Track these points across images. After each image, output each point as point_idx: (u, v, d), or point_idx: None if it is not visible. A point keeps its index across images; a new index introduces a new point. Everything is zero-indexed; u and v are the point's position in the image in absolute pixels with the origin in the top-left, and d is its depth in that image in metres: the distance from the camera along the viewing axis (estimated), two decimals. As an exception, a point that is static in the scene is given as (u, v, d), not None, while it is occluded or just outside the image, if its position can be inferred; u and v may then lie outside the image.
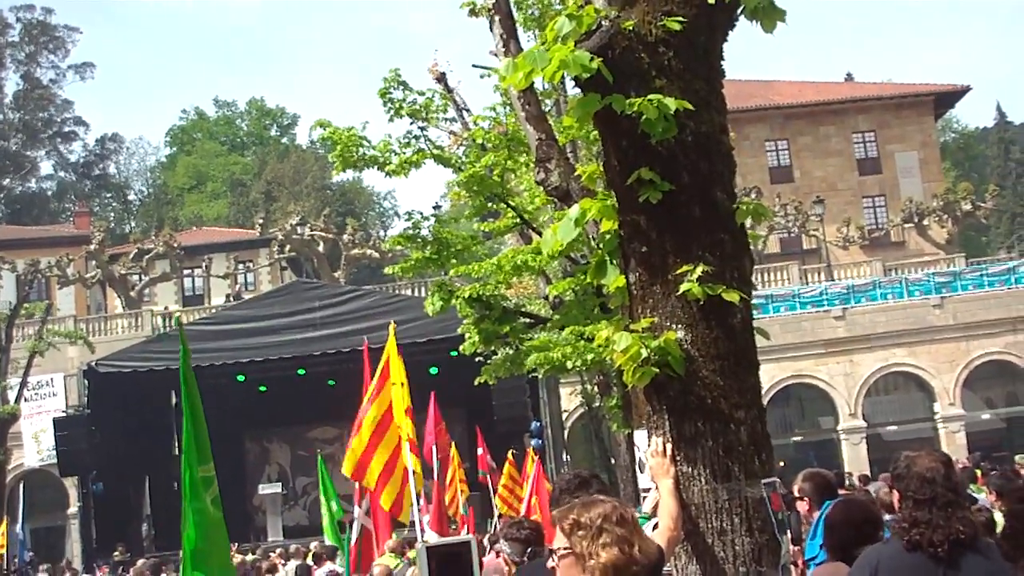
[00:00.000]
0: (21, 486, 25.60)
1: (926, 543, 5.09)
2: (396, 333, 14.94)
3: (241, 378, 33.86)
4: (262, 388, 35.22)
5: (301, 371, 33.53)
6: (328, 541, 20.46)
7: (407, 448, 13.82)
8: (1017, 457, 25.69)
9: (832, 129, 63.47)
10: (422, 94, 18.37)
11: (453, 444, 22.58)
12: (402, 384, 14.27)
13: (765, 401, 5.77)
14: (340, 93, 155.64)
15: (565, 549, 4.15)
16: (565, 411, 36.84)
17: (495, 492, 22.09)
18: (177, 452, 34.47)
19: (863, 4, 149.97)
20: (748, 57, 69.67)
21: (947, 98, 66.69)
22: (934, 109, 65.80)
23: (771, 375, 40.97)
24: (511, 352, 18.91)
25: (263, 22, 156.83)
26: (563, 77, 5.51)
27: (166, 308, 58.84)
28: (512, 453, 21.70)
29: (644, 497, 6.05)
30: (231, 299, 56.79)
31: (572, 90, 16.62)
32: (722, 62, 5.80)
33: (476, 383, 20.43)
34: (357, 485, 15.57)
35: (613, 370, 17.79)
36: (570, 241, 5.93)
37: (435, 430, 19.41)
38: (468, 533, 16.32)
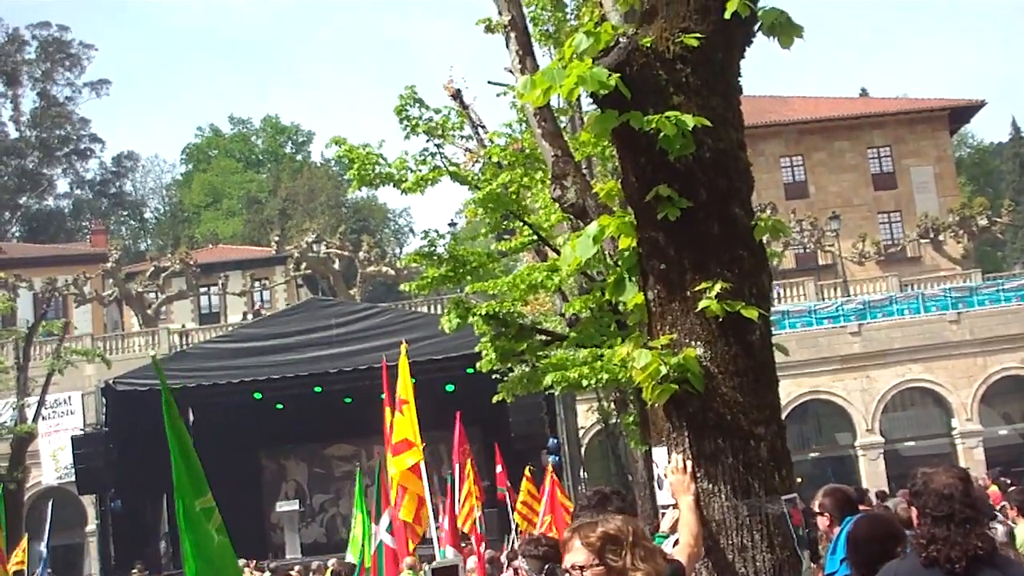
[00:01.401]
0: (50, 504, 25.60)
1: (944, 559, 5.07)
2: (412, 350, 15.05)
3: (258, 396, 33.88)
4: (279, 406, 35.23)
5: (318, 389, 33.51)
6: (349, 558, 20.41)
7: (423, 465, 13.93)
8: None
9: (847, 144, 63.33)
10: (438, 111, 18.36)
11: (471, 462, 22.62)
12: (407, 401, 14.39)
13: (783, 417, 5.76)
14: (355, 106, 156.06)
15: (595, 565, 4.08)
16: (582, 428, 36.76)
17: (513, 509, 22.07)
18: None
19: (878, 19, 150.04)
20: (762, 73, 69.66)
21: (962, 113, 66.49)
22: (949, 124, 65.59)
23: (788, 391, 40.81)
24: (528, 370, 18.88)
25: (279, 39, 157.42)
26: (580, 94, 5.53)
27: (183, 326, 58.95)
28: (530, 469, 21.69)
29: (663, 514, 6.04)
30: (251, 316, 56.87)
31: (588, 107, 16.62)
32: (739, 79, 5.82)
33: (493, 401, 20.41)
34: (380, 504, 15.66)
35: (630, 387, 17.77)
36: (588, 258, 5.94)
37: (459, 450, 19.43)
38: (486, 550, 16.35)
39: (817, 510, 7.81)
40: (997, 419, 46.42)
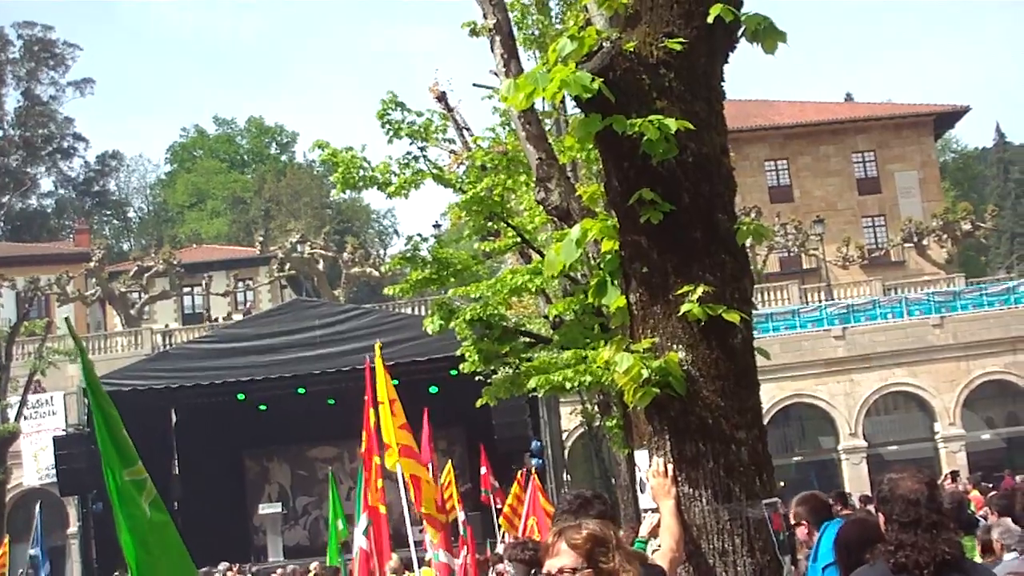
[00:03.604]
0: (38, 507, 25.41)
1: (912, 565, 5.06)
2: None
3: (241, 397, 33.78)
4: (262, 407, 35.14)
5: (301, 390, 33.42)
6: (329, 562, 20.38)
7: (398, 467, 13.97)
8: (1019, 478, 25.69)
9: (832, 149, 63.50)
10: (420, 115, 18.35)
11: (450, 463, 22.61)
12: (389, 402, 14.38)
13: (765, 421, 5.77)
14: (339, 107, 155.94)
15: (583, 568, 4.01)
16: (565, 431, 36.75)
17: (499, 512, 22.04)
18: (177, 471, 34.44)
19: (863, 24, 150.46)
20: (748, 77, 69.73)
21: (947, 118, 66.73)
22: (934, 129, 65.83)
23: (771, 395, 40.91)
24: (511, 372, 18.87)
25: (264, 40, 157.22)
26: (564, 97, 5.53)
27: (166, 326, 58.83)
28: (521, 473, 21.67)
29: (644, 517, 6.04)
30: (236, 316, 56.67)
31: (572, 110, 16.64)
32: (723, 84, 5.83)
33: (477, 404, 20.41)
34: (360, 506, 15.64)
35: (613, 390, 17.77)
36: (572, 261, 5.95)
37: (428, 447, 19.40)
38: (468, 553, 16.31)
39: (792, 520, 7.77)
40: (980, 423, 46.58)
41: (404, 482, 14.52)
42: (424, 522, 15.15)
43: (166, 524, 5.95)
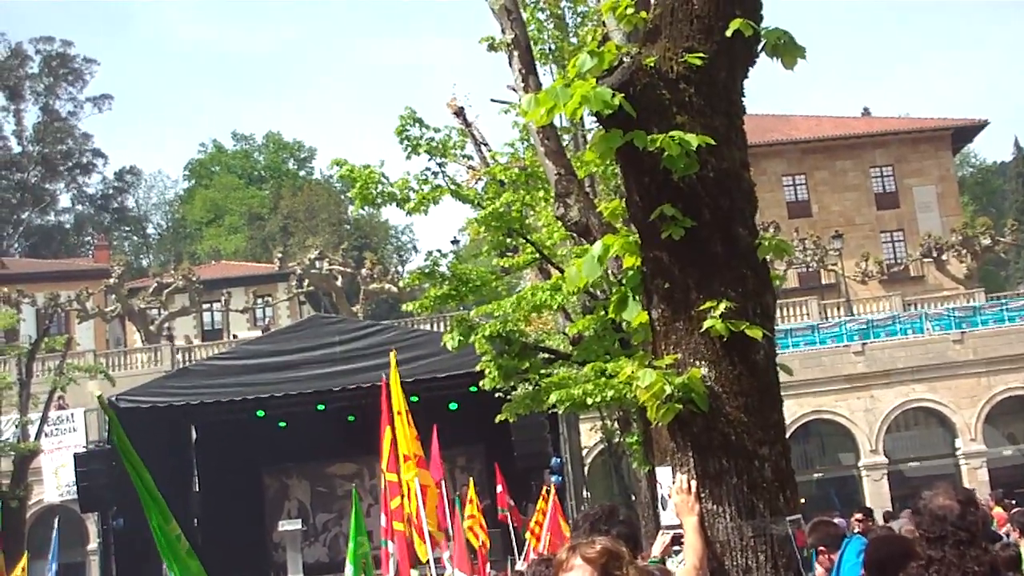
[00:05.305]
0: (56, 523, 25.49)
1: None
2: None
3: (260, 414, 33.77)
4: (281, 424, 35.15)
5: (320, 406, 33.41)
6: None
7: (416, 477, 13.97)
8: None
9: (850, 163, 63.43)
10: (439, 131, 18.38)
11: (471, 480, 22.58)
12: (400, 412, 14.39)
13: (786, 437, 5.74)
14: (358, 123, 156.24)
15: None
16: (585, 447, 36.66)
17: (527, 528, 21.98)
18: (197, 488, 34.45)
19: (880, 38, 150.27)
20: (765, 91, 69.74)
21: (965, 132, 66.62)
22: (952, 143, 65.71)
23: (791, 411, 40.68)
24: (531, 388, 18.84)
25: (282, 55, 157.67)
26: (583, 113, 5.52)
27: (190, 341, 58.92)
28: (546, 489, 21.64)
29: (661, 535, 6.00)
30: (260, 332, 56.77)
31: (591, 125, 16.64)
32: (742, 98, 5.81)
33: (496, 420, 20.36)
34: (383, 521, 15.62)
35: (634, 406, 17.73)
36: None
37: (438, 463, 19.36)
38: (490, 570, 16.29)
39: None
40: (1001, 439, 46.35)
41: (418, 492, 14.53)
42: (429, 539, 15.10)
43: (200, 569, 6.41)
